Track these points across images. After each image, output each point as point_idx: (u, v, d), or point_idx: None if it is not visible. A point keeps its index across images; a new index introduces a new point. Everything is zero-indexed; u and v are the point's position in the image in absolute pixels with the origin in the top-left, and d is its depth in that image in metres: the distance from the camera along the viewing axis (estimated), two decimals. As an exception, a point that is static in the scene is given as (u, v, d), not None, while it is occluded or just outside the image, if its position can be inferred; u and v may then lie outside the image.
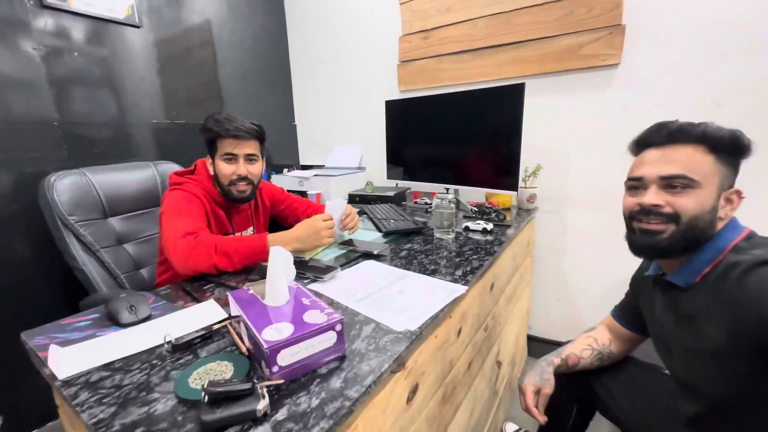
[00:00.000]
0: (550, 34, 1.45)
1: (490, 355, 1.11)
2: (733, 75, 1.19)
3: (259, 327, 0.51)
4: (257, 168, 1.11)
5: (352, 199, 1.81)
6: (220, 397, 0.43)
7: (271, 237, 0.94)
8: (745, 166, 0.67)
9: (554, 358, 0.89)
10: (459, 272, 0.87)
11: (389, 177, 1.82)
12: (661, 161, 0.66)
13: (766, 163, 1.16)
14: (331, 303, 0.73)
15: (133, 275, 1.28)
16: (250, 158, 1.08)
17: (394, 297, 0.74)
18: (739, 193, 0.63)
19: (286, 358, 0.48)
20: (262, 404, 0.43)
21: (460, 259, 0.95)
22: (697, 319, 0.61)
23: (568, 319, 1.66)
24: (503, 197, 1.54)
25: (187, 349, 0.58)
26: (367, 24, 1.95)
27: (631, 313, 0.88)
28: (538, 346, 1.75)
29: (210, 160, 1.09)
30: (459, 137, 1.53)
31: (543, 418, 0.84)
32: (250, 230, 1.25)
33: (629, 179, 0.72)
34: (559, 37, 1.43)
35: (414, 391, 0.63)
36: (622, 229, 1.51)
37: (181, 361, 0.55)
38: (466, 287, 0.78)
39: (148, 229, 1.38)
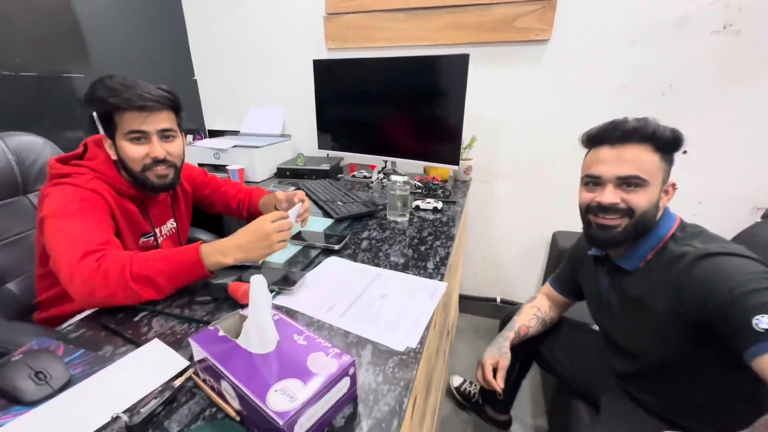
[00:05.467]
0: (486, 1, 1.41)
1: (445, 329, 1.16)
2: (637, 60, 1.35)
3: (259, 392, 0.41)
4: (177, 146, 0.86)
5: (282, 173, 1.63)
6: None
7: (206, 248, 0.73)
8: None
9: (509, 333, 0.97)
10: (431, 264, 0.85)
11: (321, 147, 1.67)
12: (616, 162, 0.71)
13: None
14: (311, 323, 0.64)
15: (-3, 294, 0.96)
16: (165, 134, 0.83)
17: (377, 305, 0.69)
18: (674, 185, 0.72)
19: (303, 425, 0.40)
20: (292, 495, 0.35)
21: (425, 248, 0.93)
22: (643, 300, 0.71)
23: (494, 278, 1.85)
24: (441, 170, 1.55)
25: (147, 426, 0.45)
26: (284, -39, 1.64)
27: (569, 283, 0.99)
28: (468, 303, 1.93)
29: (109, 141, 0.82)
30: (398, 107, 1.45)
31: (500, 388, 0.91)
32: (171, 222, 1.02)
33: (588, 176, 0.76)
34: (496, 5, 1.41)
35: (414, 404, 0.61)
36: (542, 195, 1.66)
37: (146, 445, 0.42)
38: (445, 283, 0.77)
39: (10, 228, 1.03)
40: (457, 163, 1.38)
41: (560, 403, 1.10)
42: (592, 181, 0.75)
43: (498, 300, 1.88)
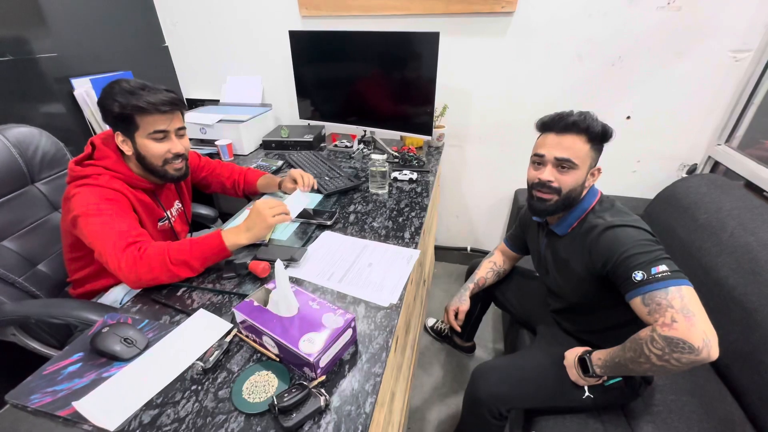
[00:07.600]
0: (457, -29, 1.46)
1: (421, 279, 1.40)
2: (592, 33, 1.47)
3: (293, 342, 0.61)
4: (187, 141, 1.02)
5: (268, 145, 1.73)
6: (289, 406, 0.55)
7: (225, 233, 0.89)
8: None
9: (470, 284, 1.22)
10: (407, 234, 1.05)
11: (302, 116, 1.76)
12: (557, 146, 0.88)
13: (608, 103, 1.56)
14: (316, 289, 0.84)
15: (33, 275, 1.10)
16: (179, 132, 0.97)
17: (366, 272, 0.89)
18: (599, 170, 0.92)
19: (323, 360, 0.61)
20: (323, 400, 0.57)
21: (402, 219, 1.12)
22: (568, 260, 0.94)
23: (465, 230, 2.10)
24: (416, 138, 1.69)
25: (216, 368, 0.65)
26: None
27: (519, 241, 1.22)
28: (443, 253, 2.20)
29: (122, 138, 0.93)
30: (374, 80, 1.54)
31: (458, 327, 1.20)
32: (177, 203, 1.16)
33: (535, 155, 0.93)
34: (465, -24, 1.46)
35: (396, 341, 0.84)
36: (506, 157, 1.85)
37: (219, 380, 0.63)
38: (418, 251, 0.97)
39: (28, 216, 1.15)
40: (430, 133, 1.52)
41: (511, 332, 1.40)
42: (537, 160, 0.93)
43: (468, 249, 2.15)
